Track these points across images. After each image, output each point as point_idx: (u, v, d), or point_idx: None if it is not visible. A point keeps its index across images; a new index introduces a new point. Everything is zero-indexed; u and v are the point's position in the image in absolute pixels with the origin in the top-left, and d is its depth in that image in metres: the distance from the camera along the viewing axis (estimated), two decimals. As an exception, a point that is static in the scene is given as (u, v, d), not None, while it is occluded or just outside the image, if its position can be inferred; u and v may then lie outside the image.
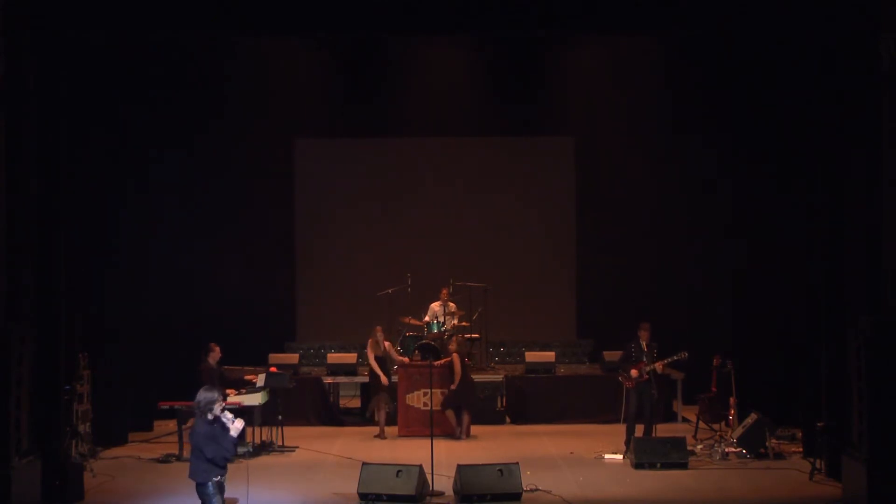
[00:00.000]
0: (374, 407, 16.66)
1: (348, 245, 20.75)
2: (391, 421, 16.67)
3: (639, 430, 14.81)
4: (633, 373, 14.70)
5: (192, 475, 9.87)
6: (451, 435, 16.16)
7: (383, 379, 16.37)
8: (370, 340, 16.60)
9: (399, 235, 20.70)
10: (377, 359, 16.51)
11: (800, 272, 14.98)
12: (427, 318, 18.74)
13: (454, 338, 16.81)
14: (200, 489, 9.82)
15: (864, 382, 11.90)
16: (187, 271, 19.07)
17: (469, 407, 16.45)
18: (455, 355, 16.29)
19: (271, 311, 20.23)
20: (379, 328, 16.78)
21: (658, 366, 14.67)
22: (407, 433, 16.46)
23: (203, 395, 9.79)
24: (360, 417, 17.92)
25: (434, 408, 15.67)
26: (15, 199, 12.24)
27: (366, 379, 17.28)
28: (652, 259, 19.86)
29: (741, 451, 14.61)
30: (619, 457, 14.62)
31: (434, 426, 14.51)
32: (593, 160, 20.59)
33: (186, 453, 14.72)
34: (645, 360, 14.74)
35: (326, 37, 17.93)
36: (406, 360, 17.03)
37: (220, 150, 19.72)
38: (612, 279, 20.10)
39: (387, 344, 16.80)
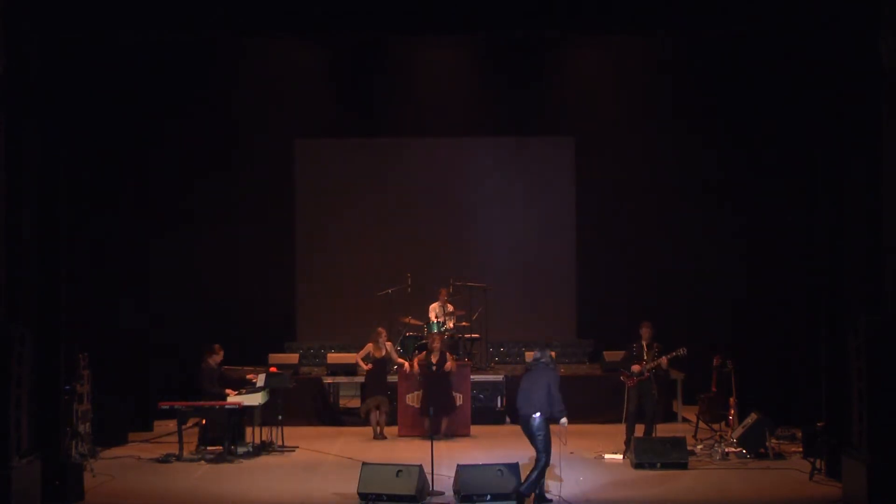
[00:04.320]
0: (368, 408, 16.58)
1: (348, 245, 20.76)
2: (391, 421, 16.66)
3: (639, 430, 14.81)
4: (636, 368, 14.67)
5: (539, 410, 11.93)
6: (423, 435, 15.84)
7: (364, 365, 16.54)
8: (371, 343, 16.60)
9: (399, 235, 20.70)
10: (379, 360, 16.50)
11: (800, 272, 14.97)
12: (430, 319, 18.72)
13: (436, 336, 16.75)
14: (540, 422, 11.83)
15: (864, 382, 11.87)
16: (187, 271, 19.06)
17: (445, 410, 16.33)
18: (449, 356, 16.36)
19: (271, 311, 20.23)
20: (383, 330, 16.77)
21: (664, 361, 14.66)
22: (406, 433, 16.46)
23: (541, 352, 12.16)
24: (360, 417, 17.90)
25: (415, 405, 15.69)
26: (15, 199, 12.23)
27: (366, 379, 17.26)
28: (652, 259, 19.85)
29: (741, 451, 14.59)
30: (619, 457, 14.61)
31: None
32: (593, 160, 20.58)
33: (186, 453, 14.79)
34: (646, 358, 14.74)
35: (326, 37, 17.93)
36: (405, 362, 16.97)
37: (220, 150, 19.73)
38: (613, 279, 20.09)
39: (388, 345, 16.80)
